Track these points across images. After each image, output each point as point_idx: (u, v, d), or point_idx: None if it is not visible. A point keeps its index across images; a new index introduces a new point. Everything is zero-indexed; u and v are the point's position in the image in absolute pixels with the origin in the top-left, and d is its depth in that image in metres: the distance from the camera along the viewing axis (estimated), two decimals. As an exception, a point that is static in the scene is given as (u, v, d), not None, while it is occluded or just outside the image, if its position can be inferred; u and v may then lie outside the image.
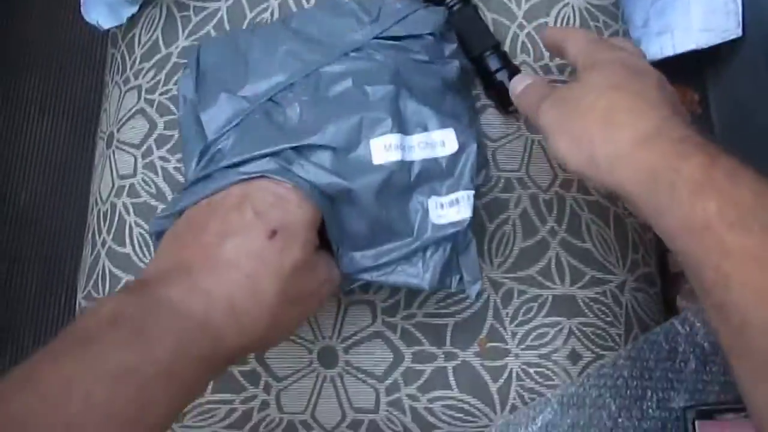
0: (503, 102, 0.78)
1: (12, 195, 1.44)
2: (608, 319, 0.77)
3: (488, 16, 0.84)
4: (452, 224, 0.64)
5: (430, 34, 0.71)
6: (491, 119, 0.81)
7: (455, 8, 0.79)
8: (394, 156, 0.61)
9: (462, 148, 0.64)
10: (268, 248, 0.53)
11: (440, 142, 0.64)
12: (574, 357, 0.75)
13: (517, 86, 0.68)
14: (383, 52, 0.68)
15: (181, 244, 0.54)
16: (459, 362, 0.74)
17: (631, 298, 0.79)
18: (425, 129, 0.64)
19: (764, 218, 0.45)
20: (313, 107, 0.64)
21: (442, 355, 0.74)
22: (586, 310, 0.76)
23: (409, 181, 0.63)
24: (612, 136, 0.54)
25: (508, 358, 0.75)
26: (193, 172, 0.65)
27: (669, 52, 1.04)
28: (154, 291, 0.49)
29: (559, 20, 0.85)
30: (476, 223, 0.77)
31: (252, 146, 0.60)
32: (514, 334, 0.75)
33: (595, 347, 0.75)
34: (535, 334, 0.75)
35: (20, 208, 1.43)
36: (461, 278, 0.65)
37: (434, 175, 0.64)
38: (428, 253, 0.64)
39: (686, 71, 1.13)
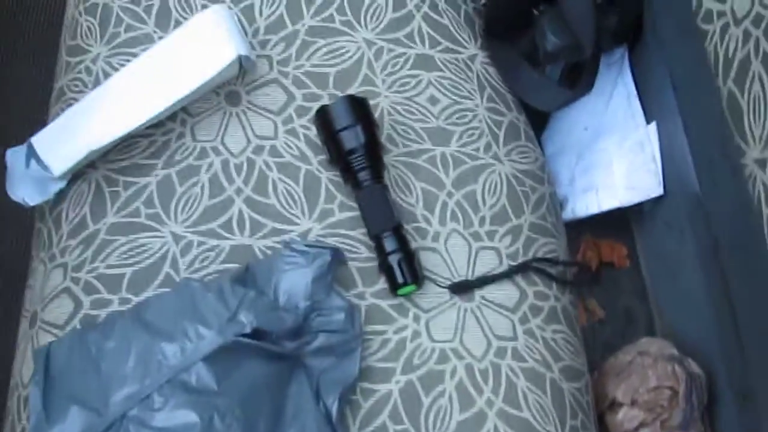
0: (391, 284, 0.79)
1: None
2: (550, 492, 0.75)
3: (417, 186, 0.85)
4: None
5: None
6: (423, 291, 0.81)
7: (365, 184, 0.81)
8: None
9: None
10: None
11: None
12: None
13: None
14: (236, 364, 0.69)
15: None
16: None
17: (573, 468, 0.78)
18: None
19: None
20: None
21: None
22: (527, 485, 0.74)
23: None
24: None
25: None
26: None
27: (594, 209, 1.07)
28: None
29: (487, 187, 0.87)
30: (413, 398, 0.76)
31: None
32: None
33: None
34: None
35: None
36: None
37: None
38: None
39: (614, 225, 1.16)
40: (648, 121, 1.06)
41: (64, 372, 0.70)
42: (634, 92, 1.08)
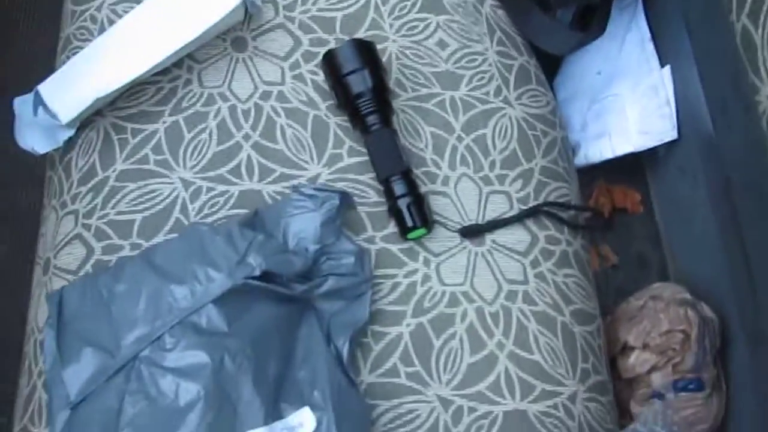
0: (401, 228, 0.79)
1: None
2: (561, 433, 0.75)
3: (426, 130, 0.84)
4: None
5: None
6: (433, 235, 0.80)
7: (373, 129, 0.80)
8: None
9: (320, 424, 0.65)
10: None
11: (298, 424, 0.65)
12: (528, 475, 0.73)
13: None
14: (247, 306, 0.68)
15: None
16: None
17: (584, 410, 0.77)
18: (280, 415, 0.65)
19: None
20: (186, 384, 0.64)
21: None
22: (538, 425, 0.75)
23: None
24: None
25: (460, 480, 0.72)
26: None
27: (608, 154, 1.06)
28: None
29: (497, 131, 0.86)
30: (423, 341, 0.76)
31: None
32: (465, 455, 0.73)
33: (548, 464, 0.74)
34: (487, 453, 0.73)
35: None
36: None
37: None
38: None
39: (628, 170, 1.15)
40: (662, 65, 1.05)
41: (76, 315, 0.71)
42: (648, 36, 1.07)
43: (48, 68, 0.89)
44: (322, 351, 0.70)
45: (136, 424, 0.63)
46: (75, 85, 0.82)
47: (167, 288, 0.68)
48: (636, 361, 0.90)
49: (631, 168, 1.15)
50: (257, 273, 0.68)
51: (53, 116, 0.81)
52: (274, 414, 0.65)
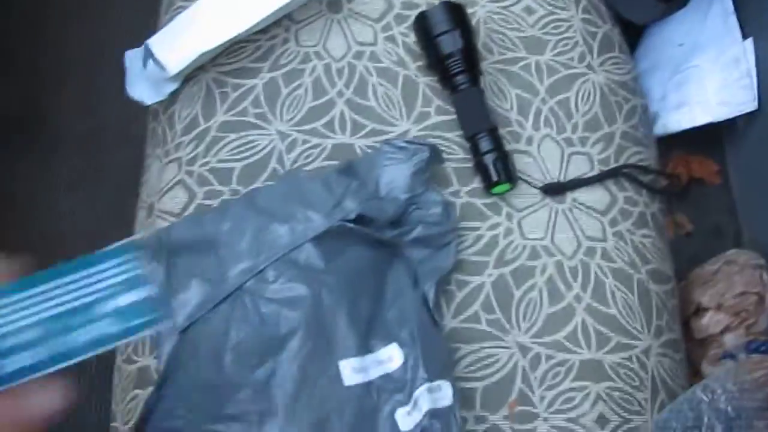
0: (486, 182, 0.82)
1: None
2: (635, 383, 0.78)
3: (512, 92, 0.87)
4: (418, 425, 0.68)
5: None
6: (516, 191, 0.84)
7: (461, 88, 0.83)
8: (360, 378, 0.68)
9: (407, 360, 0.70)
10: None
11: (388, 358, 0.70)
12: (601, 421, 0.76)
13: None
14: (342, 248, 0.73)
15: None
16: (489, 426, 0.76)
17: (657, 364, 0.80)
18: (370, 350, 0.70)
19: None
20: (287, 313, 0.69)
21: (472, 419, 0.76)
22: (613, 375, 0.77)
23: (374, 403, 0.68)
24: None
25: (536, 421, 0.76)
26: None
27: (687, 124, 1.07)
28: None
29: (580, 95, 0.88)
30: (504, 290, 0.80)
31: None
32: (542, 398, 0.76)
33: (622, 411, 0.76)
34: (563, 398, 0.76)
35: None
36: None
37: (391, 389, 0.69)
38: None
39: (706, 142, 1.16)
40: (744, 37, 1.05)
41: (183, 251, 0.76)
42: (731, 8, 1.07)
43: (139, 34, 0.94)
44: (409, 294, 0.74)
45: (241, 348, 0.68)
46: (181, 40, 0.87)
47: (269, 226, 0.73)
48: (709, 322, 0.91)
49: (709, 139, 1.15)
50: (352, 216, 0.72)
51: (162, 68, 0.86)
52: (365, 348, 0.69)
